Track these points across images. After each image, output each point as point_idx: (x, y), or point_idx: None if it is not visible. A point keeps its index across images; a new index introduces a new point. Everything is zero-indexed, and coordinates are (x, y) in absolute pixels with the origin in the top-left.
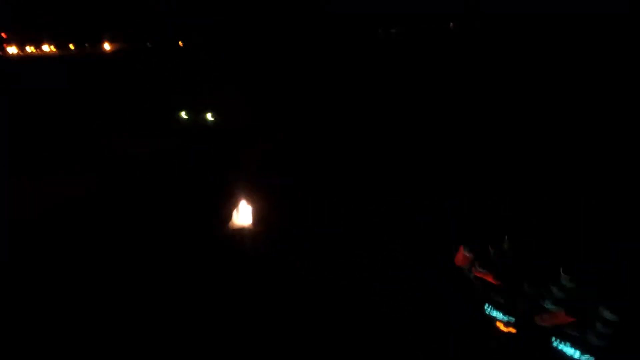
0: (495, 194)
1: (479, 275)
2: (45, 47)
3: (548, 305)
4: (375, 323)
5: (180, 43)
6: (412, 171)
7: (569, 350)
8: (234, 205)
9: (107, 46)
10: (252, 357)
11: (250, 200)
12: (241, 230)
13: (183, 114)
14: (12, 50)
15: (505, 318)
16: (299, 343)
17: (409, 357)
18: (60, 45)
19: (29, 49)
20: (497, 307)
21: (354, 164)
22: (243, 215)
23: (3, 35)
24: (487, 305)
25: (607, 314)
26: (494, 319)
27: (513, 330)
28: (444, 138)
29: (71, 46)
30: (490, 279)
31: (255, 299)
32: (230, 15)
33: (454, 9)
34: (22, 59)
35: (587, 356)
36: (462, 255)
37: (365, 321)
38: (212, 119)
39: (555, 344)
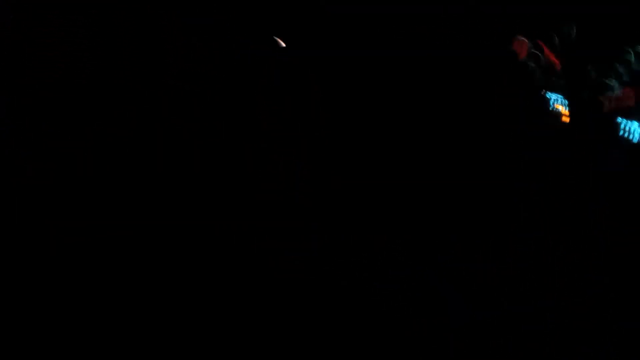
0: None
1: (541, 55)
2: None
3: (612, 83)
4: (375, 323)
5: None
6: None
7: (633, 126)
8: None
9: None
10: (251, 357)
11: None
12: None
13: None
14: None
15: (566, 105)
16: (298, 343)
17: (409, 357)
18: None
19: None
20: (561, 92)
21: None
22: None
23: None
24: (549, 93)
25: None
26: (559, 113)
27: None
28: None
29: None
30: (554, 60)
31: (253, 298)
32: None
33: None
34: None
35: None
36: (519, 43)
37: (365, 321)
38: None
39: (619, 120)
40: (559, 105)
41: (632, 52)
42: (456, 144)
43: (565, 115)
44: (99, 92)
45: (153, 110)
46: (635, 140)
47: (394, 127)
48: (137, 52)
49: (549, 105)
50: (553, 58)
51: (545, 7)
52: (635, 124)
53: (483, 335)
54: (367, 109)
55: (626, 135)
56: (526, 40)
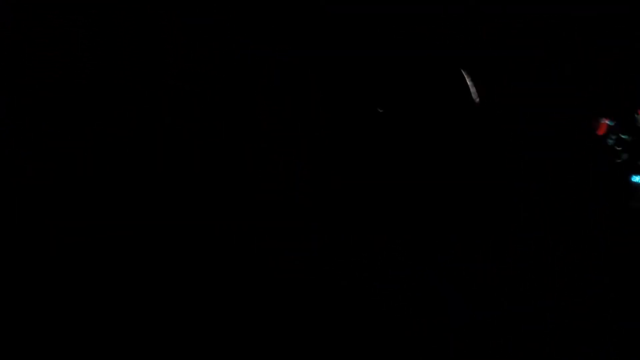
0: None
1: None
2: None
3: None
4: (376, 323)
5: None
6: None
7: None
8: None
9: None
10: (251, 357)
11: None
12: None
13: None
14: None
15: None
16: (298, 343)
17: (409, 357)
18: None
19: None
20: None
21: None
22: None
23: None
24: (636, 176)
25: None
26: None
27: None
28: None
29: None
30: None
31: (253, 298)
32: None
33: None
34: None
35: None
36: (603, 124)
37: (365, 321)
38: None
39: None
40: None
41: None
42: (456, 144)
43: None
44: (99, 92)
45: (153, 110)
46: None
47: (394, 126)
48: (137, 52)
49: (635, 189)
50: None
51: (545, 7)
52: None
53: (483, 335)
54: (366, 109)
55: None
56: (606, 122)
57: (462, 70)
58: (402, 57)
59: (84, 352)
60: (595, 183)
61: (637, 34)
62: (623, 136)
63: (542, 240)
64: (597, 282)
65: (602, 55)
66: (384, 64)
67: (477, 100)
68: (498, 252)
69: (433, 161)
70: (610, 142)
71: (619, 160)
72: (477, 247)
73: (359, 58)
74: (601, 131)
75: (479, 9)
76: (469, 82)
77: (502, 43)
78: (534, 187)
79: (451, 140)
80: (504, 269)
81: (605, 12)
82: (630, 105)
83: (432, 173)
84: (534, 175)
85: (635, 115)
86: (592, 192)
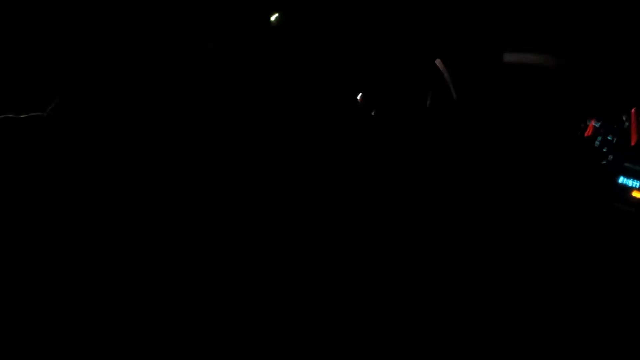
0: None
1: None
2: None
3: None
4: (375, 322)
5: None
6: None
7: None
8: None
9: None
10: (250, 357)
11: None
12: None
13: None
14: None
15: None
16: (297, 343)
17: (409, 357)
18: None
19: None
20: (633, 176)
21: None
22: None
23: None
24: (621, 177)
25: None
26: (630, 189)
27: None
28: None
29: None
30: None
31: (252, 298)
32: None
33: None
34: None
35: None
36: (591, 127)
37: (365, 321)
38: None
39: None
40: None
41: None
42: (456, 143)
43: None
44: (100, 91)
45: (153, 110)
46: None
47: (394, 126)
48: (137, 52)
49: (624, 192)
50: (634, 128)
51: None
52: None
53: (483, 335)
54: (366, 107)
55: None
56: (592, 123)
57: (440, 65)
58: (401, 56)
59: (84, 353)
60: (581, 185)
61: (624, 37)
62: (609, 137)
63: (542, 240)
64: (597, 282)
65: (589, 55)
66: (384, 63)
67: (456, 96)
68: (498, 251)
69: (432, 160)
70: (596, 143)
71: (604, 162)
72: (477, 247)
73: (358, 56)
74: (587, 133)
75: (479, 9)
76: (447, 78)
77: (489, 40)
78: (519, 189)
79: (451, 139)
80: (504, 269)
81: (596, 13)
82: (617, 107)
83: (432, 173)
84: (519, 176)
85: (622, 117)
86: (578, 193)
